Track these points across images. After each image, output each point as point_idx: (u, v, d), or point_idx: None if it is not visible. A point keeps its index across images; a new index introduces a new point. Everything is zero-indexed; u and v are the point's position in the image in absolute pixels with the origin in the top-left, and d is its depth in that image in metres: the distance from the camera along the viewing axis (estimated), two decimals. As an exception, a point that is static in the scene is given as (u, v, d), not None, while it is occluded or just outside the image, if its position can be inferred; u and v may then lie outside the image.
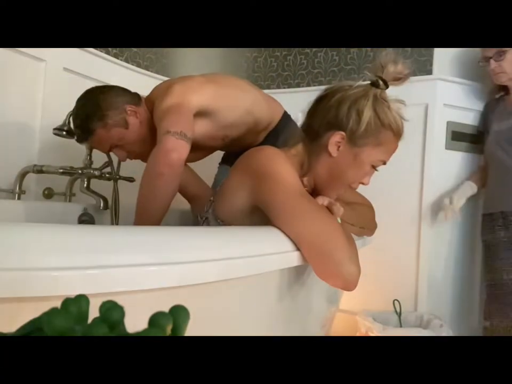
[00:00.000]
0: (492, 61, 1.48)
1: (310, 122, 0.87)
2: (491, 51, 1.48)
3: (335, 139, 0.81)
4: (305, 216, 0.72)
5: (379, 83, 0.82)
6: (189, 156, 1.15)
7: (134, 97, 1.16)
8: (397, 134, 0.83)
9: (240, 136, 1.25)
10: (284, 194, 0.74)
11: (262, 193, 0.76)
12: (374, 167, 0.84)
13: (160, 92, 1.13)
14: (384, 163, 0.85)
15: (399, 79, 0.85)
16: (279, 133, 1.28)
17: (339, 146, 0.82)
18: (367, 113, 0.79)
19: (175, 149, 0.98)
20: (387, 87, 0.82)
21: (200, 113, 1.11)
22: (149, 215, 1.00)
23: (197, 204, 1.19)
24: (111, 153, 1.27)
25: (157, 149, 1.00)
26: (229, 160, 1.38)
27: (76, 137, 1.17)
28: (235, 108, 1.18)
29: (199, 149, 1.23)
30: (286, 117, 1.33)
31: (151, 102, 1.15)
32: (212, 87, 1.14)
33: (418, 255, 1.65)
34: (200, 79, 1.15)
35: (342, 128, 0.81)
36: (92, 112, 1.09)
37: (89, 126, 1.09)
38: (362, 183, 0.87)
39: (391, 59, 0.86)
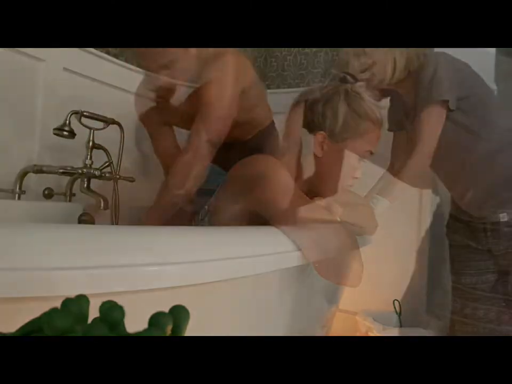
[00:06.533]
0: None
1: (289, 131, 0.89)
2: None
3: (318, 140, 0.83)
4: (304, 218, 0.72)
5: (347, 78, 0.84)
6: (179, 123, 1.22)
7: None
8: (376, 122, 0.84)
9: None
10: (282, 197, 0.74)
11: (260, 199, 0.77)
12: (363, 159, 0.86)
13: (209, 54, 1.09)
14: (371, 153, 0.86)
15: (366, 70, 0.87)
16: (264, 138, 1.29)
17: (323, 146, 0.84)
18: (342, 109, 0.81)
19: (195, 156, 1.03)
20: (356, 80, 0.84)
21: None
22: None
23: None
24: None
25: (185, 150, 1.05)
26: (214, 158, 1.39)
27: None
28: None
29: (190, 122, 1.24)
30: (272, 124, 1.34)
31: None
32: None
33: (418, 255, 1.65)
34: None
35: (321, 128, 0.83)
36: None
37: None
38: (355, 177, 0.88)
39: (352, 53, 0.88)
